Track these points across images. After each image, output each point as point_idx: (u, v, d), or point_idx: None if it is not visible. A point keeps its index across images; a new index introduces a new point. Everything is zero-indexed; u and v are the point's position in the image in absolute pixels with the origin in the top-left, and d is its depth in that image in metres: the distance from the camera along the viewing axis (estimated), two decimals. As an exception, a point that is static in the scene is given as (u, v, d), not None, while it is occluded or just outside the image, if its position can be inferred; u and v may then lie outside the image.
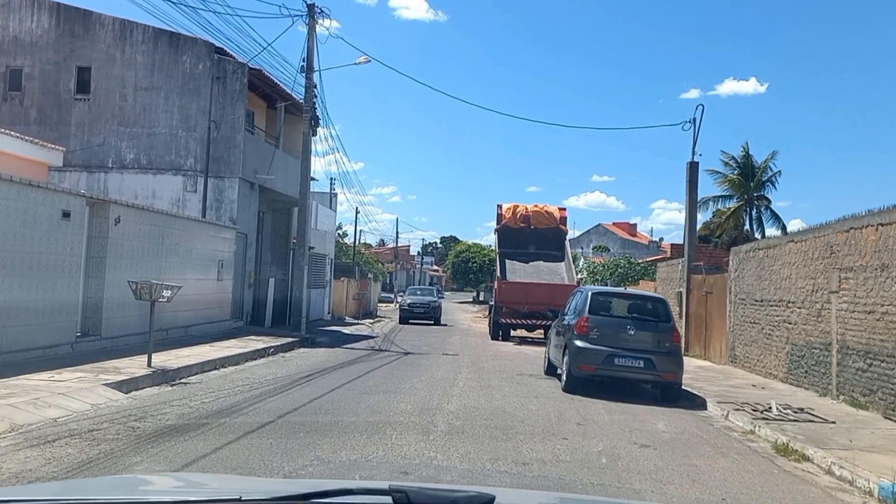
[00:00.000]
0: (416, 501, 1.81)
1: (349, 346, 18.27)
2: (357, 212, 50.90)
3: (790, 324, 13.61)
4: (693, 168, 21.34)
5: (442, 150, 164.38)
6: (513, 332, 24.36)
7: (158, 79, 19.86)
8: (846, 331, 11.46)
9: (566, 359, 11.94)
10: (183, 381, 10.66)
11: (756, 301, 15.43)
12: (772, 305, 14.56)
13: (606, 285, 30.32)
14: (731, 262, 17.39)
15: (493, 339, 23.68)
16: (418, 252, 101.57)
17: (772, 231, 36.38)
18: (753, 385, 13.51)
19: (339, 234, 62.53)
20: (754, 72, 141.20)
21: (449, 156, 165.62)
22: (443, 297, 46.05)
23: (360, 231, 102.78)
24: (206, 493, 2.12)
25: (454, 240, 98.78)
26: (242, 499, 1.84)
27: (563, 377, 12.03)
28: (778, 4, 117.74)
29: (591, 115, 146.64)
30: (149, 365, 10.71)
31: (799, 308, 13.25)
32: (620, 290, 14.40)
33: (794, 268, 13.52)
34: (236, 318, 19.54)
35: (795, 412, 10.31)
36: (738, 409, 10.44)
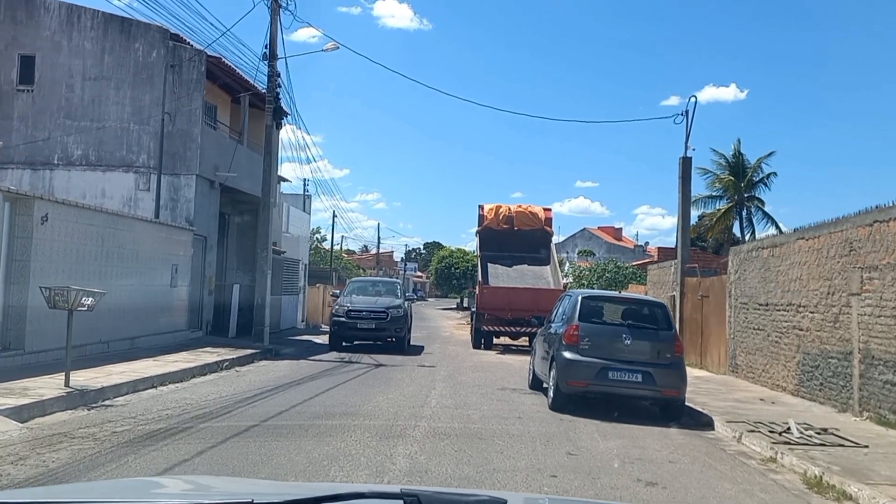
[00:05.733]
0: None
1: (317, 357, 16.70)
2: (334, 215, 49.19)
3: (801, 330, 12.24)
4: (686, 164, 20.00)
5: (427, 156, 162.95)
6: (496, 340, 22.92)
7: (108, 68, 18.26)
8: (870, 338, 10.09)
9: (553, 372, 10.49)
10: (106, 403, 9.09)
11: (760, 305, 14.06)
12: (779, 310, 13.19)
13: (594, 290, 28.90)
14: (730, 263, 16.03)
15: (474, 347, 22.17)
16: (401, 258, 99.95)
17: (763, 234, 35.23)
18: (761, 399, 12.11)
19: (316, 238, 60.89)
20: (734, 78, 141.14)
21: (434, 162, 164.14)
22: (416, 299, 39.09)
23: (342, 237, 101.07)
24: (217, 497, 2.11)
25: (438, 245, 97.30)
26: (254, 502, 1.82)
27: (551, 393, 10.57)
28: (758, 11, 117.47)
29: (574, 123, 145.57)
30: (66, 384, 9.12)
31: (812, 312, 11.88)
32: (614, 293, 13.00)
33: (806, 268, 12.16)
34: (194, 328, 17.94)
35: (819, 433, 8.90)
36: (752, 431, 9.02)
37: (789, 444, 8.28)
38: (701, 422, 10.14)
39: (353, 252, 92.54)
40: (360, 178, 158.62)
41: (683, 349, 10.83)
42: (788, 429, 9.02)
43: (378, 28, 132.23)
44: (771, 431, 8.96)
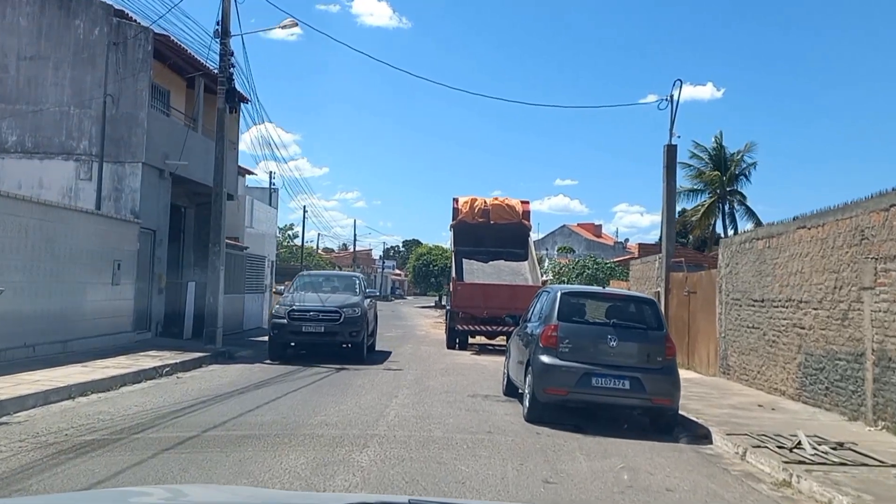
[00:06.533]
0: None
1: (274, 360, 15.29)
2: (305, 210, 47.65)
3: (803, 328, 11.08)
4: (670, 152, 18.81)
5: (406, 154, 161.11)
6: (472, 340, 21.67)
7: (46, 47, 16.69)
8: (886, 337, 8.92)
9: (529, 378, 9.22)
10: (1, 420, 7.68)
11: (755, 301, 12.90)
12: (776, 306, 12.03)
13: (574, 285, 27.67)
14: (720, 256, 14.88)
15: (448, 347, 20.89)
16: (380, 256, 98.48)
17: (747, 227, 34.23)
18: (760, 405, 10.93)
19: (289, 235, 59.34)
20: (710, 77, 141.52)
21: (413, 161, 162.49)
22: (382, 296, 36.20)
23: (318, 235, 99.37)
24: None
25: (416, 243, 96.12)
26: None
27: (526, 402, 9.29)
28: (735, 9, 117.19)
29: (553, 120, 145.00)
30: (-45, 399, 7.72)
31: (815, 309, 10.72)
32: (597, 289, 11.76)
33: (808, 259, 10.99)
34: (141, 329, 16.46)
35: (835, 449, 7.71)
36: (758, 446, 7.81)
37: (804, 463, 7.07)
38: (697, 434, 8.92)
39: (332, 250, 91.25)
40: (340, 177, 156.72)
41: (676, 351, 9.59)
42: (799, 443, 7.82)
43: (357, 26, 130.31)
44: (780, 447, 7.75)
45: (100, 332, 14.46)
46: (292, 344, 15.37)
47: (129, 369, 11.64)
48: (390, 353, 17.61)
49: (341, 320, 14.99)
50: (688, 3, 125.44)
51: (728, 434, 8.45)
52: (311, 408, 9.11)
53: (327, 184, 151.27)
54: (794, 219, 11.64)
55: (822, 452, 7.50)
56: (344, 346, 15.34)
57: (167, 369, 12.40)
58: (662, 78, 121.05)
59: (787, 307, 11.63)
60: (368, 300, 16.65)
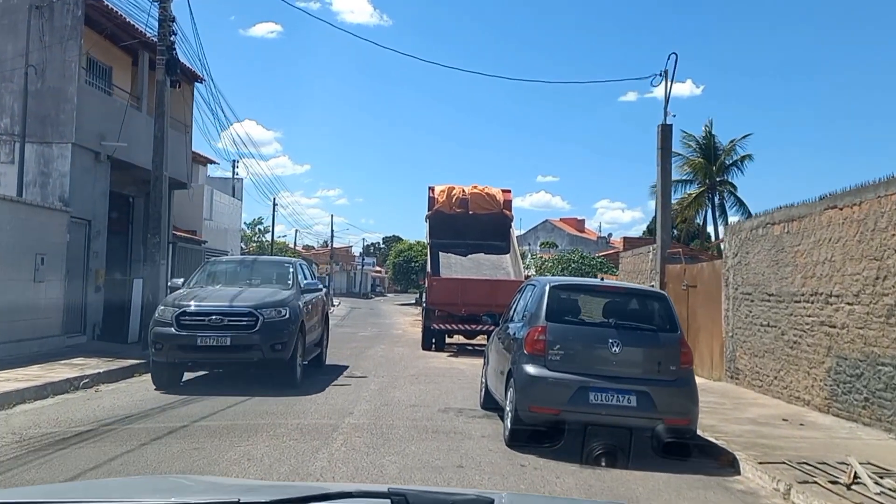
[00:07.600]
0: None
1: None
2: (274, 203, 45.58)
3: (834, 327, 9.40)
4: (665, 132, 17.09)
5: (389, 151, 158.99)
6: (449, 339, 19.92)
7: (-38, 13, 14.72)
8: (949, 339, 7.25)
9: (511, 393, 7.43)
10: None
11: (770, 296, 11.22)
12: (798, 301, 10.34)
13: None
14: (727, 245, 13.19)
15: (424, 349, 19.13)
16: (360, 253, 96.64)
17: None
18: (784, 419, 9.23)
19: (258, 229, 57.26)
20: (690, 74, 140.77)
21: (395, 157, 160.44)
22: (364, 294, 33.42)
23: (296, 231, 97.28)
24: (202, 496, 2.03)
25: (397, 239, 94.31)
26: (241, 501, 1.78)
27: (507, 423, 7.51)
28: (713, 7, 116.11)
29: (535, 117, 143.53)
30: None
31: (850, 304, 9.03)
32: (594, 281, 9.98)
33: (840, 245, 9.30)
34: (73, 333, 14.50)
35: (903, 484, 6.01)
36: (804, 482, 6.09)
37: (874, 508, 5.36)
38: (718, 459, 7.22)
39: (312, 247, 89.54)
40: (322, 174, 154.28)
41: (692, 358, 7.86)
42: (856, 475, 6.11)
43: (337, 23, 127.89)
44: (832, 482, 6.03)
45: (17, 337, 12.51)
46: (189, 364, 10.68)
47: (35, 382, 9.74)
48: (347, 367, 13.69)
49: (258, 327, 9.99)
50: (671, 1, 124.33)
51: (761, 463, 6.73)
52: (236, 434, 7.25)
53: (309, 181, 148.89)
54: (820, 198, 9.93)
55: (890, 490, 5.80)
56: (256, 358, 10.24)
57: (86, 381, 10.50)
58: (641, 75, 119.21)
59: (812, 302, 9.94)
60: (310, 296, 11.93)
